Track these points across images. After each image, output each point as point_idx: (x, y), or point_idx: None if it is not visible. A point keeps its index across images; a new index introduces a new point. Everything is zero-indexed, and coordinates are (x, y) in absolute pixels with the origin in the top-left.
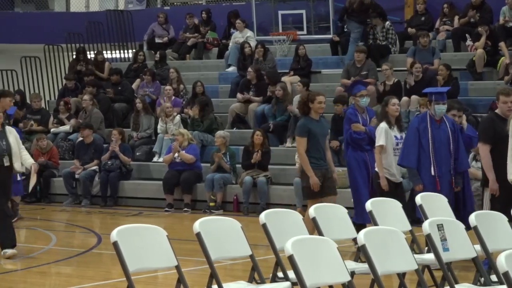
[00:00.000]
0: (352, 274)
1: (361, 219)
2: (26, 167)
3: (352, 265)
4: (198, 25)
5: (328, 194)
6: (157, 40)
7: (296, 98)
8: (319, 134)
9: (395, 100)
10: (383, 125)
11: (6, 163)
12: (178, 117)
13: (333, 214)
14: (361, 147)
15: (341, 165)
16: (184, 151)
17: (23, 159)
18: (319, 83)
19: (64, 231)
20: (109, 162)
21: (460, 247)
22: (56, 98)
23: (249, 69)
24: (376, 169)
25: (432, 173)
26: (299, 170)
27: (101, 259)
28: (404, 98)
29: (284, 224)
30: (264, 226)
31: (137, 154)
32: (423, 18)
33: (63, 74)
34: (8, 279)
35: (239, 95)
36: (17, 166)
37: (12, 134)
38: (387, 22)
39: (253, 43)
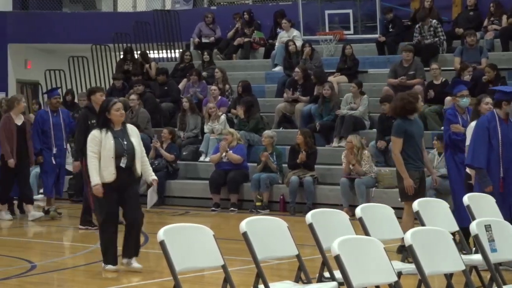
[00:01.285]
0: (399, 274)
1: (462, 222)
2: (145, 180)
3: (399, 265)
4: (242, 26)
5: (421, 197)
6: (204, 40)
7: (347, 97)
8: (416, 134)
9: (488, 99)
10: (474, 124)
11: (123, 164)
12: (223, 117)
13: (380, 214)
14: (461, 149)
15: (387, 165)
16: (231, 151)
17: (143, 169)
18: (366, 82)
19: None
20: (155, 162)
21: (508, 247)
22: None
23: (296, 69)
24: (468, 170)
25: (501, 174)
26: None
27: (148, 258)
28: (448, 98)
29: (330, 224)
30: (310, 226)
31: (184, 153)
32: (471, 13)
33: (110, 74)
34: (57, 278)
35: (285, 95)
36: (138, 168)
37: (135, 134)
38: (434, 21)
39: (298, 43)
